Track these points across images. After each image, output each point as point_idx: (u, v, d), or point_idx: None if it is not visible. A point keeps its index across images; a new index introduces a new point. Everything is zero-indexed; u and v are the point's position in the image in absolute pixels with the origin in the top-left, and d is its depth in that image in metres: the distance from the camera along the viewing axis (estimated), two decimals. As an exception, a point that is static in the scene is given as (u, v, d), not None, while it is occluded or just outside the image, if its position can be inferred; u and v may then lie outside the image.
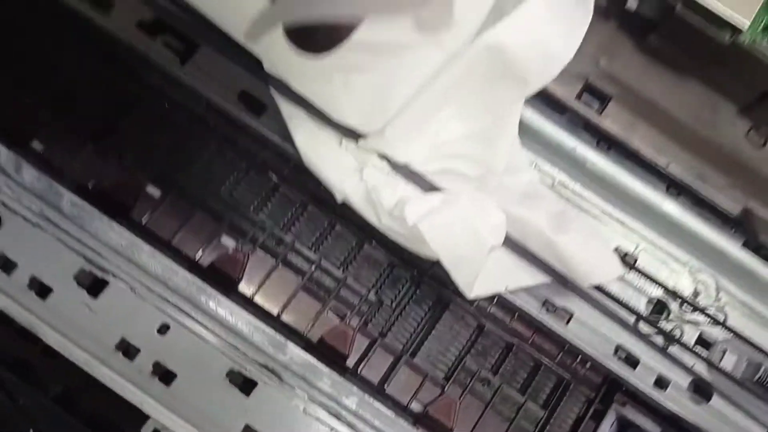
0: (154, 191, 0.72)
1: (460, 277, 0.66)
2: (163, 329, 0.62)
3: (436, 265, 0.68)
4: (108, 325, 0.62)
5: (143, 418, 0.63)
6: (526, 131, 0.73)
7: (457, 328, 0.74)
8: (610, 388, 0.74)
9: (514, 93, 0.68)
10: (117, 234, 0.63)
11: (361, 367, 0.71)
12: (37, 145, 0.72)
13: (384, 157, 0.68)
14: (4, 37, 0.75)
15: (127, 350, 0.61)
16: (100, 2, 0.72)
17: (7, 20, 0.75)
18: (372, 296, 0.73)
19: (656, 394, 0.70)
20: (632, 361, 0.71)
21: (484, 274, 0.66)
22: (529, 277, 0.69)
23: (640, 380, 0.71)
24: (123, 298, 0.63)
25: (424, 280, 0.74)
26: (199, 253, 0.72)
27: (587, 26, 0.66)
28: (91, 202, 0.65)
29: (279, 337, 0.63)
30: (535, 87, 0.67)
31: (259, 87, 0.70)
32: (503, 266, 0.68)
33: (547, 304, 0.71)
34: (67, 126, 0.73)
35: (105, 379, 0.60)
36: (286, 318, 0.72)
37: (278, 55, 0.63)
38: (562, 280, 0.69)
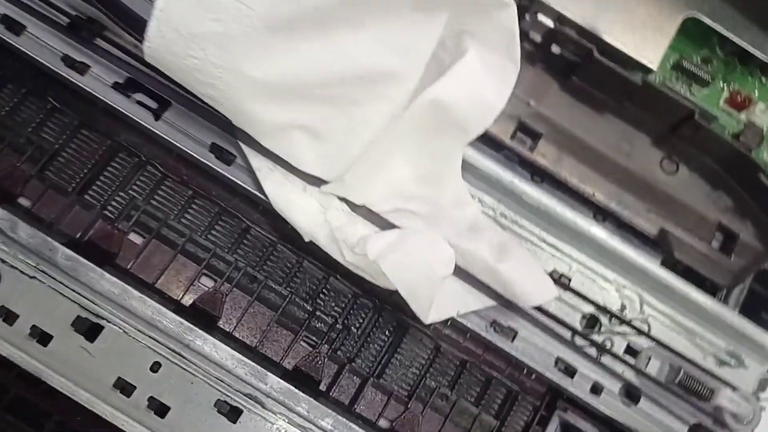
0: (136, 238, 0.79)
1: (417, 305, 0.74)
2: (155, 367, 0.69)
3: (395, 294, 0.76)
4: (105, 366, 0.68)
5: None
6: (468, 168, 0.81)
7: (416, 350, 0.82)
8: (553, 397, 0.82)
9: (456, 140, 0.76)
10: (109, 283, 0.69)
11: (333, 390, 0.79)
12: (24, 201, 0.77)
13: (344, 200, 0.76)
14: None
15: (124, 388, 0.68)
16: (76, 67, 0.78)
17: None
18: (339, 325, 0.81)
19: (592, 400, 0.79)
20: (570, 371, 0.80)
21: (437, 301, 0.74)
22: (477, 301, 0.77)
23: (578, 388, 0.79)
24: (117, 341, 0.69)
25: (385, 308, 0.82)
26: (181, 293, 0.78)
27: (516, 75, 0.75)
28: (82, 253, 0.71)
29: (259, 368, 0.70)
30: (473, 134, 0.76)
31: (227, 139, 0.77)
32: (454, 293, 0.77)
33: (494, 325, 0.80)
34: (51, 182, 0.78)
35: (106, 415, 0.66)
36: (263, 349, 0.79)
37: (242, 113, 0.70)
38: (506, 303, 0.77)
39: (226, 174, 0.77)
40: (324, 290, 0.82)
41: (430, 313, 0.74)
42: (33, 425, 0.77)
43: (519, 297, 0.76)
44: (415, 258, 0.73)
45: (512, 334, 0.80)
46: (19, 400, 0.76)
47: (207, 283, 0.79)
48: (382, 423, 0.79)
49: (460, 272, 0.76)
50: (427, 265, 0.73)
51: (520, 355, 0.79)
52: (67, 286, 0.69)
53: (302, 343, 0.80)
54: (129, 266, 0.78)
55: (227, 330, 0.78)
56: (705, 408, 0.80)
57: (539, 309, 0.78)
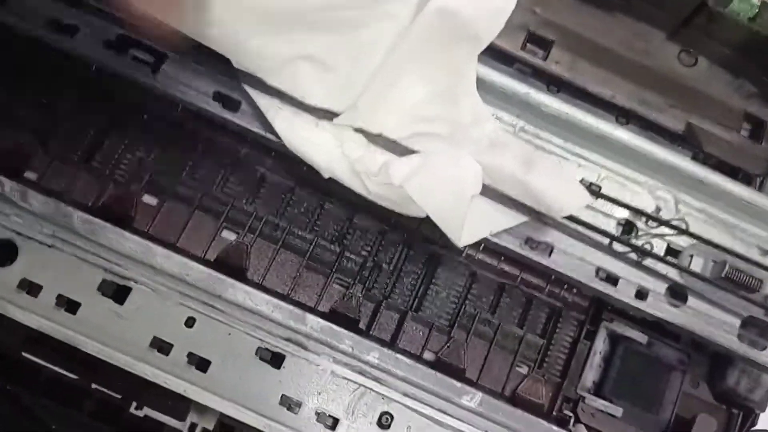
0: (150, 200, 0.76)
1: (448, 227, 0.71)
2: (190, 322, 0.67)
3: (423, 224, 0.74)
4: (139, 327, 0.66)
5: (186, 408, 0.68)
6: (482, 86, 0.78)
7: (452, 279, 0.80)
8: (598, 309, 0.81)
9: (468, 50, 0.73)
10: (130, 242, 0.67)
11: (373, 328, 0.77)
12: (30, 175, 0.74)
13: (360, 130, 0.73)
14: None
15: (161, 347, 0.66)
16: (64, 28, 0.75)
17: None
18: (370, 263, 0.78)
19: (639, 305, 0.76)
20: (613, 279, 0.77)
21: (468, 222, 0.72)
22: (508, 219, 0.75)
23: (623, 295, 0.76)
24: (147, 300, 0.67)
25: (414, 240, 0.79)
26: (205, 250, 0.76)
27: None
28: (96, 216, 0.68)
29: (297, 310, 0.68)
30: (486, 41, 0.73)
31: (231, 86, 0.74)
32: (484, 213, 0.74)
33: (529, 242, 0.77)
34: (55, 153, 0.76)
35: (147, 375, 0.64)
36: (296, 296, 0.76)
37: (245, 51, 0.67)
38: (538, 217, 0.75)
39: (234, 121, 0.74)
40: (350, 230, 0.79)
41: (463, 236, 0.71)
42: (72, 405, 0.76)
43: (552, 207, 0.73)
44: (442, 178, 0.70)
45: (548, 249, 0.78)
46: (55, 382, 0.75)
47: (229, 236, 0.77)
48: (427, 356, 0.77)
49: (487, 191, 0.73)
50: (455, 184, 0.70)
51: (560, 269, 0.77)
52: (87, 251, 0.67)
53: (335, 285, 0.78)
54: (147, 228, 0.75)
55: (257, 281, 0.76)
56: (755, 299, 0.77)
57: (573, 219, 0.76)
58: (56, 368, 0.70)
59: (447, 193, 0.70)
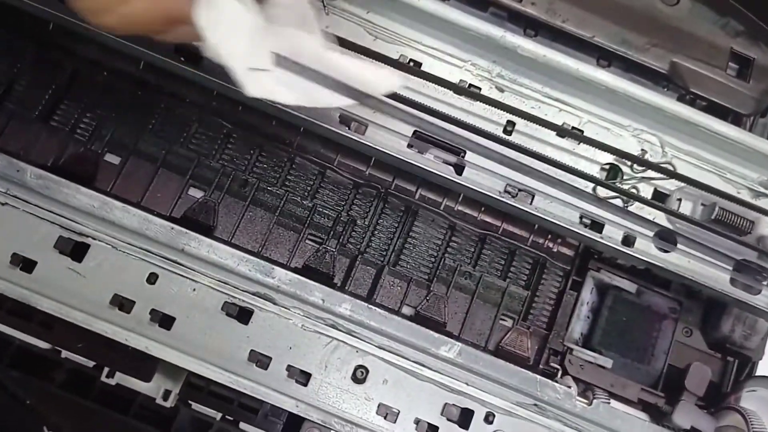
0: (113, 159, 0.73)
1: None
2: (152, 278, 0.64)
3: (398, 178, 0.71)
4: (98, 284, 0.63)
5: (151, 368, 0.65)
6: (455, 32, 0.76)
7: (430, 232, 0.77)
8: (584, 258, 0.78)
9: None
10: (87, 197, 0.64)
11: (348, 284, 0.74)
12: (-13, 137, 0.72)
13: None
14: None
15: (123, 304, 0.63)
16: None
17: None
18: (343, 217, 0.75)
19: (626, 251, 0.73)
20: (598, 226, 0.74)
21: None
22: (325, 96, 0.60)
23: (609, 241, 0.73)
24: (107, 257, 0.64)
25: (390, 193, 0.76)
26: (171, 208, 0.73)
27: None
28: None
29: (264, 263, 0.65)
30: None
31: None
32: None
33: (508, 188, 0.74)
34: (12, 112, 0.73)
35: (107, 333, 0.61)
36: (267, 253, 0.74)
37: None
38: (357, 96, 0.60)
39: (198, 73, 0.71)
40: (322, 184, 0.76)
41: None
42: (44, 377, 0.73)
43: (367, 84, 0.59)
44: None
45: (530, 197, 0.75)
46: (24, 352, 0.72)
47: (196, 194, 0.74)
48: (406, 310, 0.74)
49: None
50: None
51: (541, 216, 0.73)
52: (42, 208, 0.64)
53: (308, 241, 0.75)
54: (110, 188, 0.72)
55: (225, 239, 0.73)
56: (747, 241, 0.74)
57: (554, 163, 0.72)
58: (21, 335, 0.67)
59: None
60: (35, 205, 0.64)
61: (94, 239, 0.64)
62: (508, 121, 0.76)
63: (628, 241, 0.75)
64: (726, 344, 0.77)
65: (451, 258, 0.76)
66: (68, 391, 0.72)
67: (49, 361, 0.73)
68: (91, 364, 0.71)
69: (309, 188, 0.76)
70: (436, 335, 0.66)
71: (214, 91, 0.73)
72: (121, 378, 0.70)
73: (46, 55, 0.75)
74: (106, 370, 0.70)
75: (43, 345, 0.70)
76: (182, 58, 0.71)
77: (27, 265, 0.63)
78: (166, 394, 0.71)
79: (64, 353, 0.70)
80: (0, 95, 0.73)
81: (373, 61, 0.67)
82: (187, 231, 0.65)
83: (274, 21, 0.56)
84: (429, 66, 0.77)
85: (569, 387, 0.68)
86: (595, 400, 0.68)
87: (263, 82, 0.57)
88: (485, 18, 0.78)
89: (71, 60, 0.75)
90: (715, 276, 0.74)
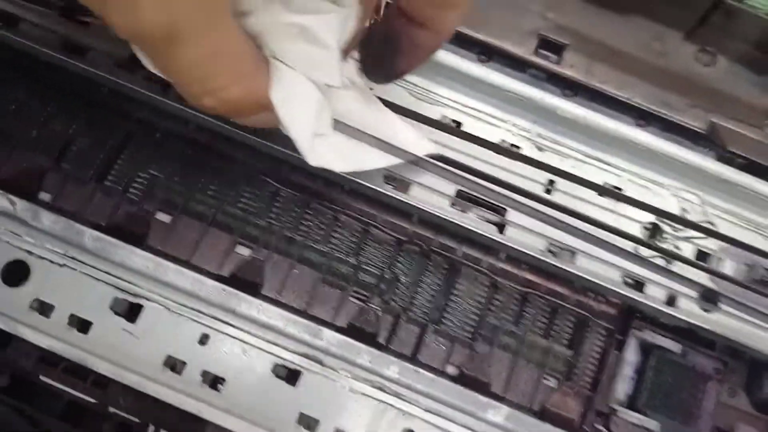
0: (164, 217, 0.75)
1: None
2: (204, 339, 0.65)
3: (440, 235, 0.72)
4: (151, 345, 0.64)
5: (201, 430, 0.66)
6: (495, 93, 0.78)
7: (472, 290, 0.77)
8: (627, 317, 0.77)
9: None
10: (141, 258, 0.66)
11: (392, 342, 0.74)
12: (44, 196, 0.74)
13: None
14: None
15: (174, 365, 0.64)
16: (75, 49, 0.75)
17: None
18: (387, 275, 0.76)
19: (669, 311, 0.74)
20: (640, 285, 0.75)
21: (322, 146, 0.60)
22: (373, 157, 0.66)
23: (652, 301, 0.74)
24: (160, 318, 0.65)
25: (431, 251, 0.77)
26: (219, 266, 0.74)
27: None
28: (110, 235, 0.67)
29: (312, 324, 0.66)
30: None
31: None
32: (342, 146, 0.63)
33: (550, 247, 0.75)
34: (69, 173, 0.75)
35: (160, 395, 0.62)
36: (312, 311, 0.74)
37: None
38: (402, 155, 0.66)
39: (249, 135, 0.73)
40: (365, 242, 0.77)
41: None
42: (91, 429, 0.74)
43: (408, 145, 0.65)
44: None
45: (571, 256, 0.75)
46: (73, 406, 0.74)
47: (243, 252, 0.75)
48: (450, 370, 0.74)
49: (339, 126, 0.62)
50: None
51: (584, 275, 0.74)
52: (99, 269, 0.66)
53: (352, 299, 0.76)
54: (161, 246, 0.74)
55: (272, 297, 0.74)
56: (791, 301, 0.74)
57: (595, 223, 0.73)
58: (72, 391, 0.69)
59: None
60: (92, 266, 0.66)
61: (148, 300, 0.66)
62: (549, 180, 0.78)
63: (672, 300, 0.75)
64: (771, 405, 0.76)
65: (494, 316, 0.77)
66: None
67: (97, 414, 0.74)
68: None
69: (353, 245, 0.77)
70: (484, 399, 0.66)
71: (260, 150, 0.75)
72: (166, 433, 0.71)
73: (99, 116, 0.77)
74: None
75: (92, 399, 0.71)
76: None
77: (83, 326, 0.64)
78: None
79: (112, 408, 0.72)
80: (58, 156, 0.75)
81: (416, 122, 0.69)
82: (238, 292, 0.66)
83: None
84: (470, 126, 0.79)
85: (616, 450, 0.68)
86: (642, 464, 0.67)
87: (322, 152, 0.59)
88: (524, 79, 0.80)
89: (125, 121, 0.77)
90: (759, 336, 0.74)
